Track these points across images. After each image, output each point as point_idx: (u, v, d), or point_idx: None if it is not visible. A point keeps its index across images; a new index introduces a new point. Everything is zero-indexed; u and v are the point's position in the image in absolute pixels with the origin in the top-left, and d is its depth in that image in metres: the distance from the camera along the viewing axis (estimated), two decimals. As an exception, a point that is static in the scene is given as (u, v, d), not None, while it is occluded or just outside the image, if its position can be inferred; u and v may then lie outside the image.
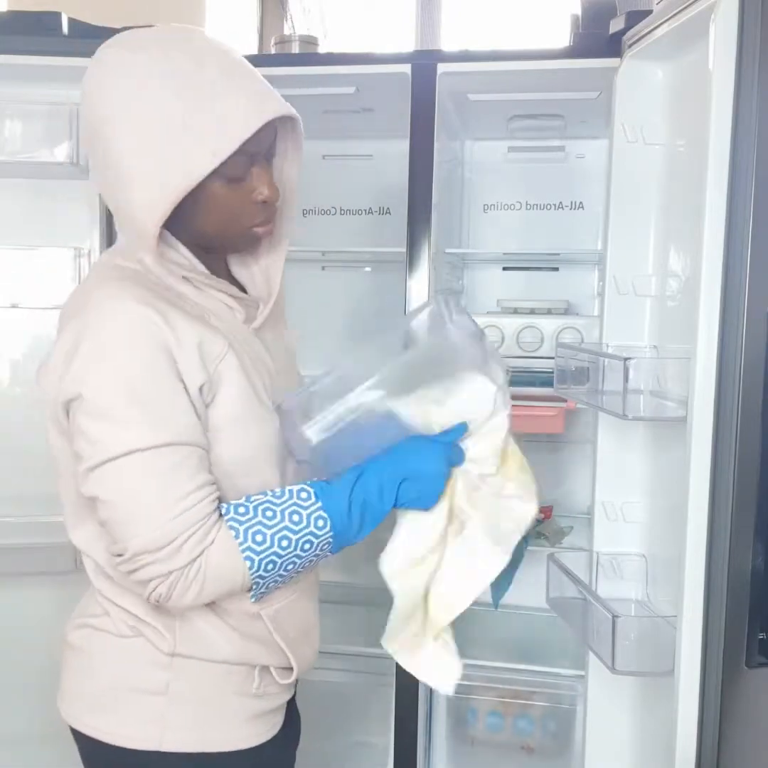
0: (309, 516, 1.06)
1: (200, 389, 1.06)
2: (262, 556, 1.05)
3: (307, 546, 1.06)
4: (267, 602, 1.16)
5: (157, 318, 1.03)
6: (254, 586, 1.07)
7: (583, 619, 1.63)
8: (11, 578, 2.04)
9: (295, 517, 1.06)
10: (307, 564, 1.09)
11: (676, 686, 1.37)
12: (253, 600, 1.10)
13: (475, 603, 1.91)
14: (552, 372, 2.10)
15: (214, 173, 1.04)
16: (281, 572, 1.07)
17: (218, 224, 1.11)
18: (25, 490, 2.04)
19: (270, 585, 1.09)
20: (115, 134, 1.05)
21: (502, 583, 2.03)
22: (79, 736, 1.19)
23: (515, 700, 2.13)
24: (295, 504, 1.07)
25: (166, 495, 1.02)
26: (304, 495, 1.08)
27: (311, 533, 1.06)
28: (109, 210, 1.87)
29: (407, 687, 2.01)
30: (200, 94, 1.03)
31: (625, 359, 1.44)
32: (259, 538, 1.05)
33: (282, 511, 1.06)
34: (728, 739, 1.34)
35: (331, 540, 1.08)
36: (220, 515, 1.06)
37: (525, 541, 2.03)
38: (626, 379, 1.43)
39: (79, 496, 1.09)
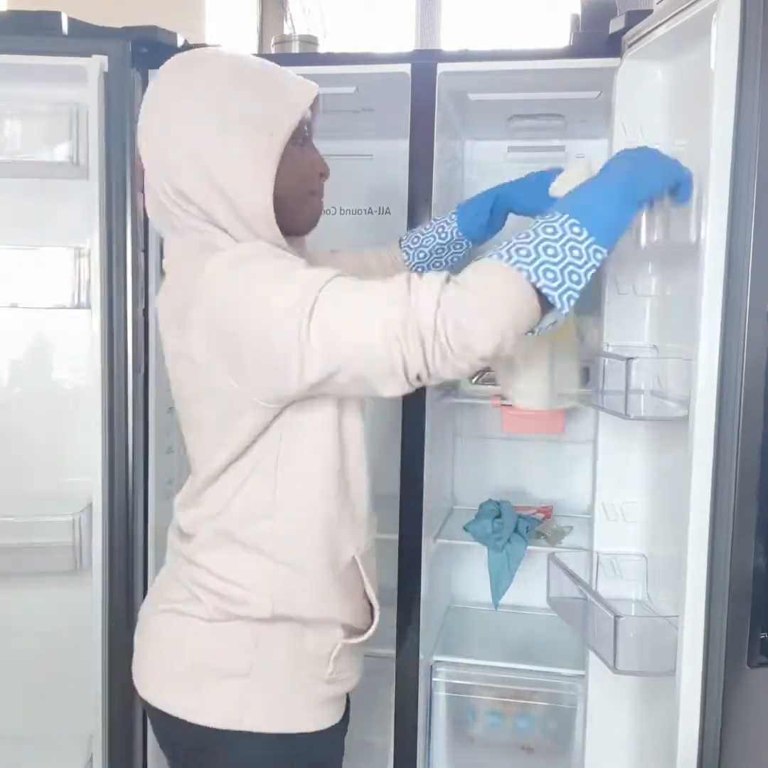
0: (562, 225, 1.10)
1: None
2: (534, 266, 1.06)
3: (576, 253, 1.09)
4: (361, 546, 1.29)
5: None
6: (545, 287, 1.07)
7: (583, 619, 1.63)
8: (11, 578, 2.04)
9: (549, 230, 1.10)
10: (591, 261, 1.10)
11: (678, 686, 1.37)
12: (563, 308, 1.09)
13: (476, 603, 1.94)
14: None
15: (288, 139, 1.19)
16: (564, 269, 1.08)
17: (295, 186, 1.24)
18: (25, 489, 2.04)
19: (564, 281, 1.08)
20: (208, 117, 1.16)
21: (501, 581, 2.04)
22: (160, 715, 1.26)
23: (515, 700, 2.13)
24: (544, 222, 1.11)
25: (371, 293, 1.09)
26: (548, 216, 1.12)
27: (572, 239, 1.09)
28: (109, 210, 1.90)
29: (407, 687, 2.01)
30: (265, 72, 1.22)
31: (628, 359, 1.44)
32: (523, 252, 1.08)
33: (534, 230, 1.10)
34: (730, 739, 1.34)
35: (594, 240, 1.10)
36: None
37: (524, 540, 2.05)
38: (628, 379, 1.43)
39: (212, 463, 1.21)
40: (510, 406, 2.02)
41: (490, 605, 2.09)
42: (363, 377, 1.08)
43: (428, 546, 2.01)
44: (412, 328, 1.03)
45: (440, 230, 1.64)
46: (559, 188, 1.53)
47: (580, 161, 1.54)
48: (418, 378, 1.07)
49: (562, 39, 2.03)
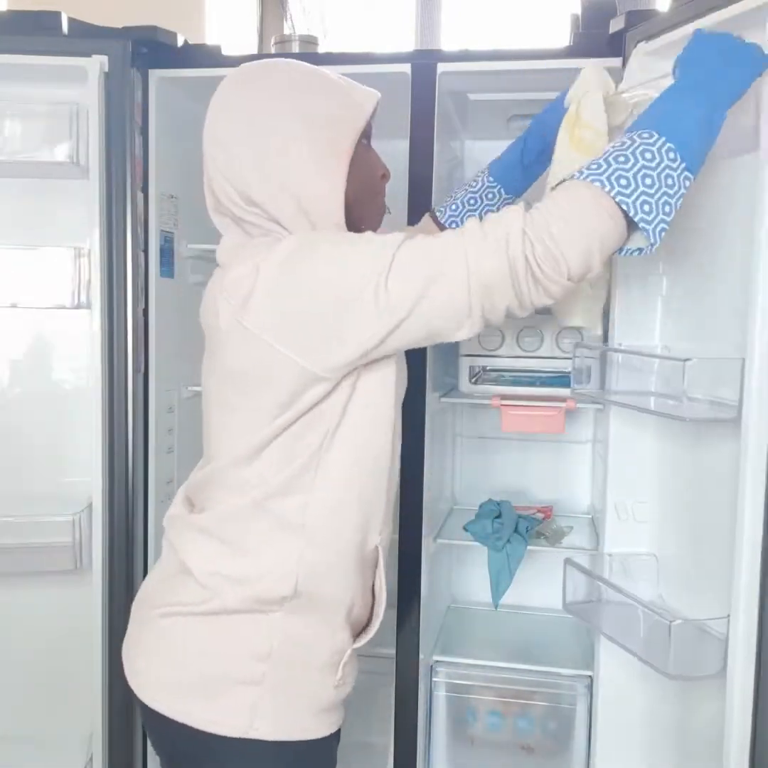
0: (659, 150, 1.08)
1: None
2: (633, 198, 1.06)
3: (669, 181, 1.08)
4: (384, 536, 1.31)
5: None
6: (641, 220, 1.08)
7: (618, 623, 1.60)
8: (11, 578, 2.04)
9: (648, 155, 1.08)
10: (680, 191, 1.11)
11: (730, 687, 1.36)
12: (655, 243, 1.11)
13: (476, 603, 1.93)
14: (551, 372, 2.10)
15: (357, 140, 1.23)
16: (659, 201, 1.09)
17: (362, 189, 1.27)
18: (25, 489, 2.04)
19: (658, 213, 1.09)
20: (278, 120, 1.20)
21: (501, 581, 2.04)
22: (163, 720, 1.23)
23: (515, 700, 2.13)
24: (643, 144, 1.09)
25: (446, 239, 1.14)
26: (645, 135, 1.10)
27: (668, 166, 1.08)
28: (109, 210, 1.90)
29: (407, 687, 2.01)
30: (330, 78, 1.25)
31: (685, 360, 1.41)
32: (623, 181, 1.07)
33: (634, 153, 1.09)
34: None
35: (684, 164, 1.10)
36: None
37: (524, 540, 2.05)
38: (686, 380, 1.40)
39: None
40: (510, 405, 2.03)
41: (490, 605, 2.09)
42: (438, 319, 1.12)
43: (428, 546, 2.01)
44: (499, 262, 1.07)
45: (472, 182, 1.66)
46: (574, 95, 1.51)
47: (586, 68, 1.52)
48: (508, 312, 1.11)
49: (562, 39, 2.03)
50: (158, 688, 1.25)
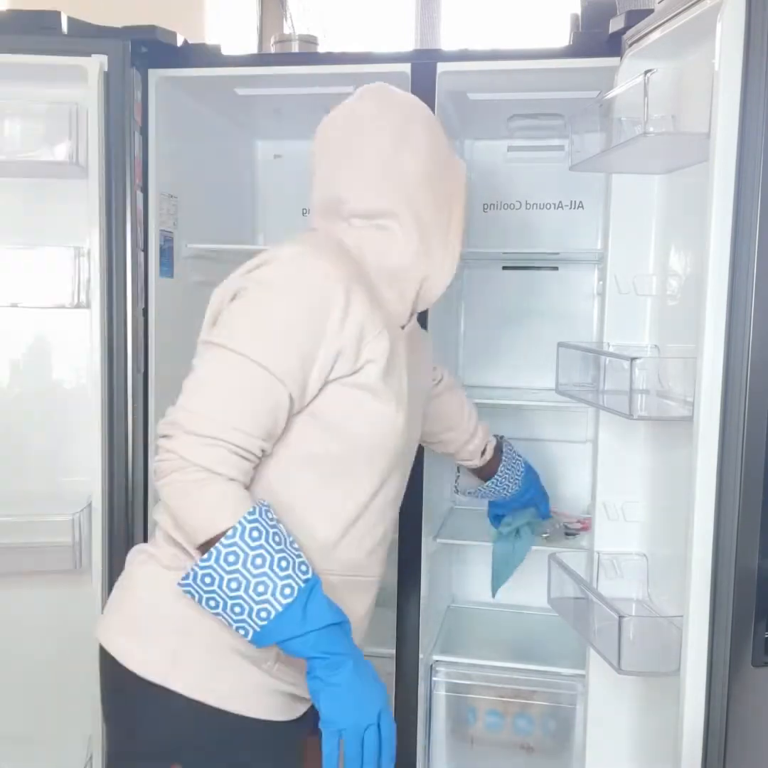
0: (275, 590, 1.10)
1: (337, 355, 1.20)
2: (218, 570, 1.10)
3: (240, 608, 1.10)
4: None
5: (337, 274, 1.20)
6: (192, 573, 1.11)
7: (586, 619, 1.62)
8: (11, 578, 2.03)
9: (261, 589, 1.09)
10: (228, 619, 1.11)
11: (682, 686, 1.37)
12: (182, 588, 1.13)
13: (476, 603, 1.91)
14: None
15: None
16: (212, 597, 1.11)
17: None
18: (24, 489, 2.04)
19: (197, 594, 1.12)
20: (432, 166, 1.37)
21: (502, 572, 2.03)
22: (103, 653, 1.28)
23: (515, 699, 2.13)
24: (286, 577, 1.10)
25: (235, 403, 1.17)
26: (300, 572, 1.12)
27: (266, 601, 1.09)
28: (108, 210, 1.90)
29: (407, 687, 2.01)
30: None
31: (632, 359, 1.43)
32: (231, 558, 1.10)
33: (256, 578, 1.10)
34: (734, 739, 1.34)
35: (262, 625, 1.10)
36: (247, 487, 1.17)
37: (532, 537, 2.03)
38: (632, 378, 1.42)
39: None
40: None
41: (490, 605, 2.09)
42: None
43: (428, 546, 2.01)
44: None
45: None
46: None
47: None
48: None
49: (562, 39, 2.03)
50: (106, 620, 1.32)
